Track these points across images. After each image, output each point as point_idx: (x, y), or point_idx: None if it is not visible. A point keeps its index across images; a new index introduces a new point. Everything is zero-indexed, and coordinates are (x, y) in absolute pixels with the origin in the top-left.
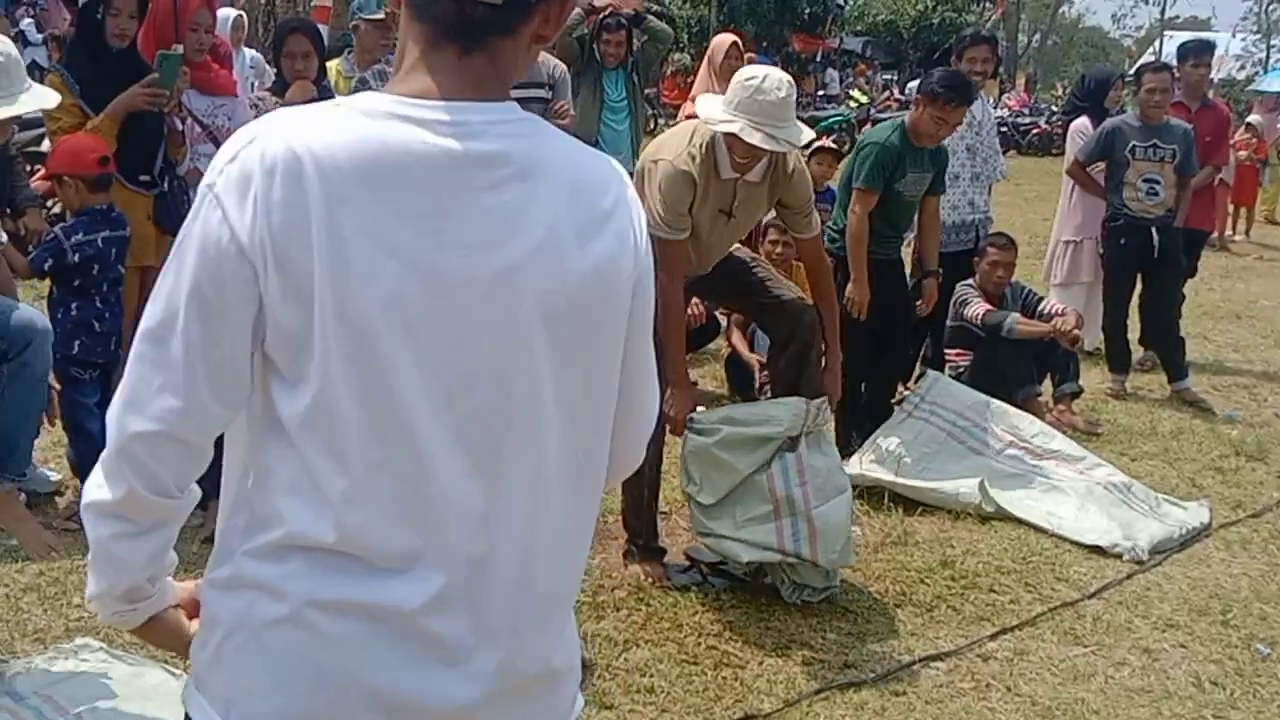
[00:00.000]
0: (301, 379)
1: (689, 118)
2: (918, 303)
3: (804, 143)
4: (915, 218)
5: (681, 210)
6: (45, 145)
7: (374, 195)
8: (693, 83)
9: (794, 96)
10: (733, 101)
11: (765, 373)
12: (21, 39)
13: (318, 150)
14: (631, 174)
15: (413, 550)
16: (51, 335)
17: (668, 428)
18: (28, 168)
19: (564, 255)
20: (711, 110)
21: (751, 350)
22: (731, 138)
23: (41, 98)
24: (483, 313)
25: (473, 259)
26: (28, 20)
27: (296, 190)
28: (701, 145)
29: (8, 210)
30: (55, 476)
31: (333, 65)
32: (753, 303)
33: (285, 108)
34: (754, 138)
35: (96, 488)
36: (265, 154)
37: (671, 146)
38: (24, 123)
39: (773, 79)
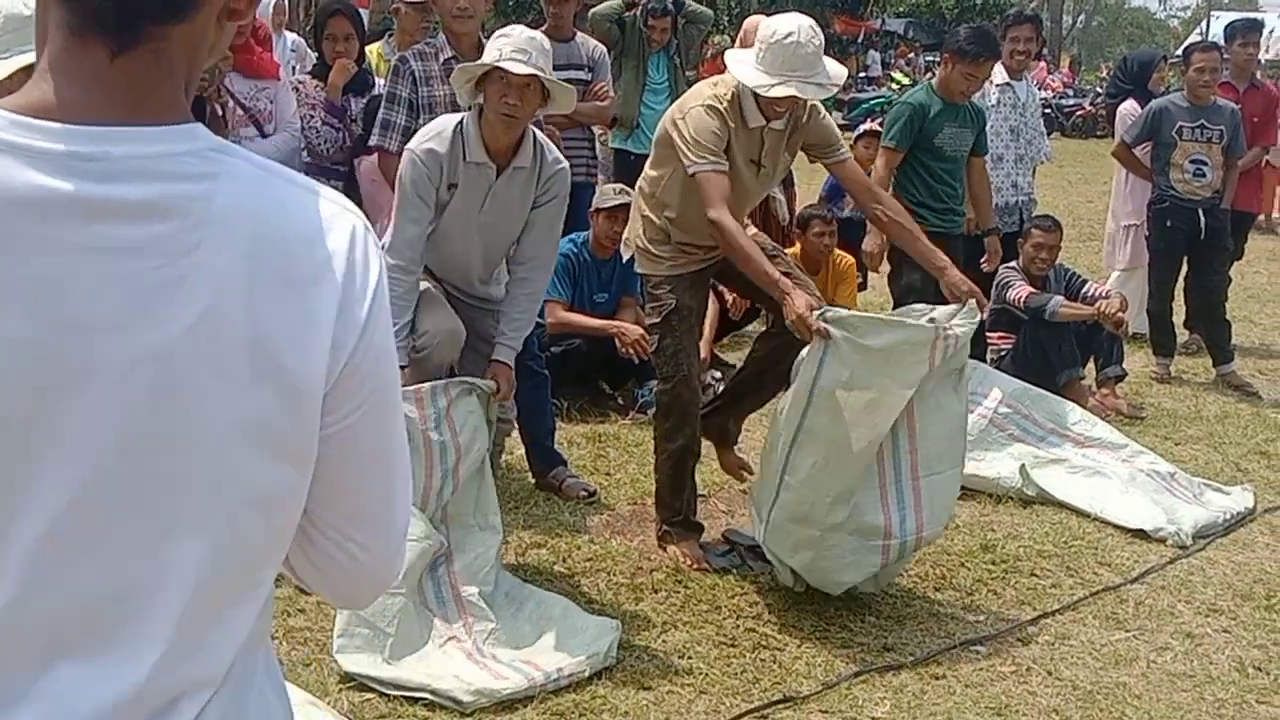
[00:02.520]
0: None
1: None
2: (981, 261)
3: (844, 80)
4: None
5: (718, 145)
6: None
7: None
8: None
9: (821, 39)
10: (775, 62)
11: None
12: None
13: None
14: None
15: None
16: None
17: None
18: None
19: (228, 341)
20: (758, 78)
21: None
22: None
23: None
24: (108, 414)
25: (97, 345)
26: None
27: None
28: (726, 95)
29: None
30: None
31: (374, 49)
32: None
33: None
34: (809, 93)
35: None
36: None
37: (696, 97)
38: None
39: (804, 30)
